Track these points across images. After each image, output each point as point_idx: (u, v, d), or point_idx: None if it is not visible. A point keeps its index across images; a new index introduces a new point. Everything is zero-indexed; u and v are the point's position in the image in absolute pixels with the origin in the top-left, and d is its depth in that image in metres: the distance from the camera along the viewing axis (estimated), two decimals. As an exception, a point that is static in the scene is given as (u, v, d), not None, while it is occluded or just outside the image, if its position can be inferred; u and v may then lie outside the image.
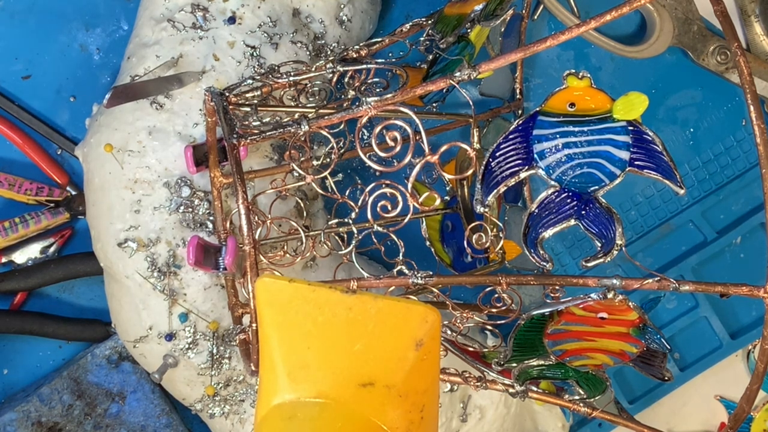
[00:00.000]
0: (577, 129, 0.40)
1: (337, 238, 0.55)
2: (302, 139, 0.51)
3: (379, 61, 0.51)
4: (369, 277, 0.43)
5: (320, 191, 0.50)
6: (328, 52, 0.57)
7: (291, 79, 0.49)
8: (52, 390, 0.58)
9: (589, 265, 0.40)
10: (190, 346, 0.53)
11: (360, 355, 0.35)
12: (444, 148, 0.40)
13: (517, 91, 0.61)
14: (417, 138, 0.40)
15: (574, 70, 0.41)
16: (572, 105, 0.41)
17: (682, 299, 0.66)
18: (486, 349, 0.49)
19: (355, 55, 0.51)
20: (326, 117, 0.41)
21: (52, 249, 0.60)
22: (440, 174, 0.43)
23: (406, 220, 0.43)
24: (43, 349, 0.61)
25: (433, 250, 0.59)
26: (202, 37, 0.53)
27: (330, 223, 0.53)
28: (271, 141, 0.54)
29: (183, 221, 0.52)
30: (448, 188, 0.58)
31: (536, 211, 0.41)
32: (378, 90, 0.51)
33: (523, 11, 0.58)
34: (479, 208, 0.41)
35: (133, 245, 0.52)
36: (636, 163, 0.40)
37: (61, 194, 0.59)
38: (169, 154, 0.52)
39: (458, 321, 0.47)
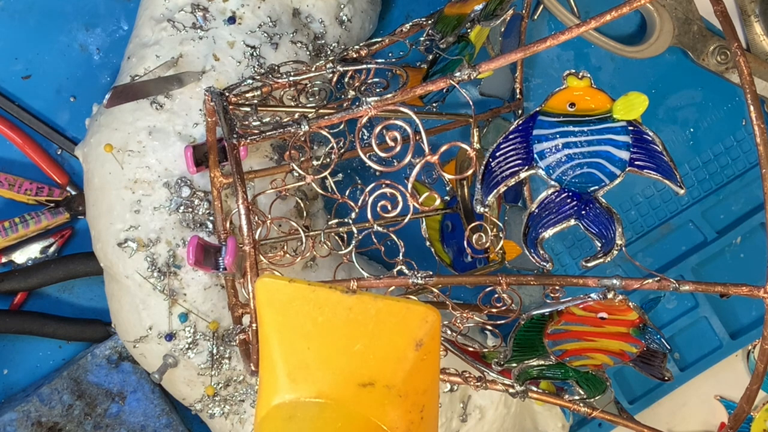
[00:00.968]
0: (577, 129, 0.40)
1: (337, 238, 0.55)
2: (302, 139, 0.51)
3: (379, 61, 0.51)
4: (369, 277, 0.43)
5: (320, 191, 0.50)
6: (328, 52, 0.57)
7: (291, 79, 0.49)
8: (52, 390, 0.58)
9: (589, 265, 0.40)
10: (190, 346, 0.53)
11: (360, 355, 0.35)
12: (444, 148, 0.40)
13: (517, 91, 0.61)
14: (417, 138, 0.40)
15: (574, 70, 0.41)
16: (572, 105, 0.41)
17: (682, 299, 0.66)
18: (486, 349, 0.49)
19: (355, 55, 0.51)
20: (326, 117, 0.41)
21: (52, 249, 0.60)
22: (440, 174, 0.43)
23: (406, 220, 0.43)
24: (43, 349, 0.61)
25: (433, 250, 0.59)
26: (202, 37, 0.53)
27: (330, 223, 0.53)
28: (271, 141, 0.54)
29: (183, 221, 0.52)
30: (448, 188, 0.58)
31: (536, 211, 0.41)
32: (378, 90, 0.51)
33: (523, 11, 0.58)
34: (479, 208, 0.41)
35: (133, 245, 0.52)
36: (636, 163, 0.40)
37: (61, 194, 0.59)
38: (169, 154, 0.52)
39: (458, 321, 0.47)
